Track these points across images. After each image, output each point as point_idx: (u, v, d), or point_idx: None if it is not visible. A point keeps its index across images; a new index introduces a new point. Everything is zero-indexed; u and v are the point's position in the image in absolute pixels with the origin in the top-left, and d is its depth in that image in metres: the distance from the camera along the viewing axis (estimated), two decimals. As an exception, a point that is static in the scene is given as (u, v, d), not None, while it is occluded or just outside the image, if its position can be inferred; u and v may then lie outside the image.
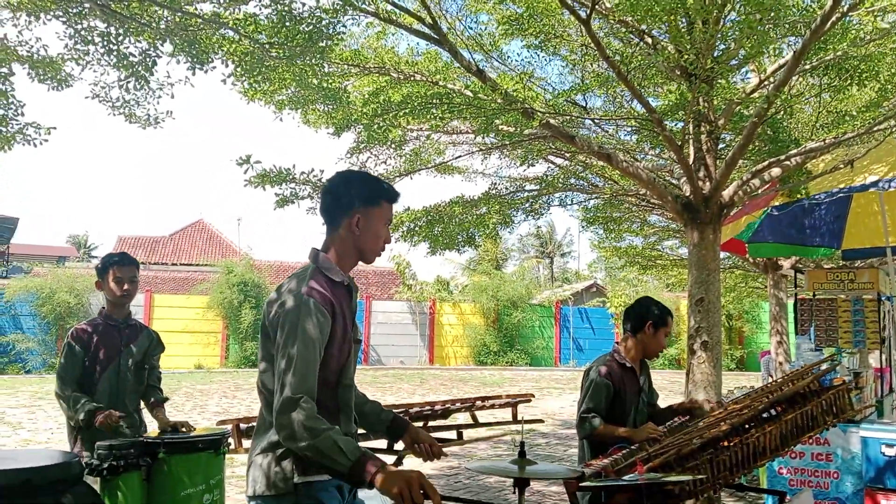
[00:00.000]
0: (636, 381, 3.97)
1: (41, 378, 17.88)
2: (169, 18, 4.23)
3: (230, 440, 3.90)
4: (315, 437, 1.99)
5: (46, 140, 5.42)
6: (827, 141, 5.70)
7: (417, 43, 6.34)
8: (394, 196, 2.41)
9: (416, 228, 7.61)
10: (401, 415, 2.85)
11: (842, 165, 6.10)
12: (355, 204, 2.32)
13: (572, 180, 8.28)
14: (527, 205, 7.94)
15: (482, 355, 25.92)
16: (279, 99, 6.35)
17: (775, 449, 3.13)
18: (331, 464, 2.01)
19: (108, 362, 3.89)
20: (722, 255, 12.61)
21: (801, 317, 7.31)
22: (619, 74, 4.95)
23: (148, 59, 4.44)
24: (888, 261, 6.56)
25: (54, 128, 5.40)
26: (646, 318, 3.94)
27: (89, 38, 4.33)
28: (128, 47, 4.41)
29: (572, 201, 8.65)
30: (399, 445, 2.86)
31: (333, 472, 2.05)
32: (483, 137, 7.45)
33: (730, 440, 3.05)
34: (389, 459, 4.64)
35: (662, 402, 4.25)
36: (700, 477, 2.71)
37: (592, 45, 4.93)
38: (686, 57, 4.95)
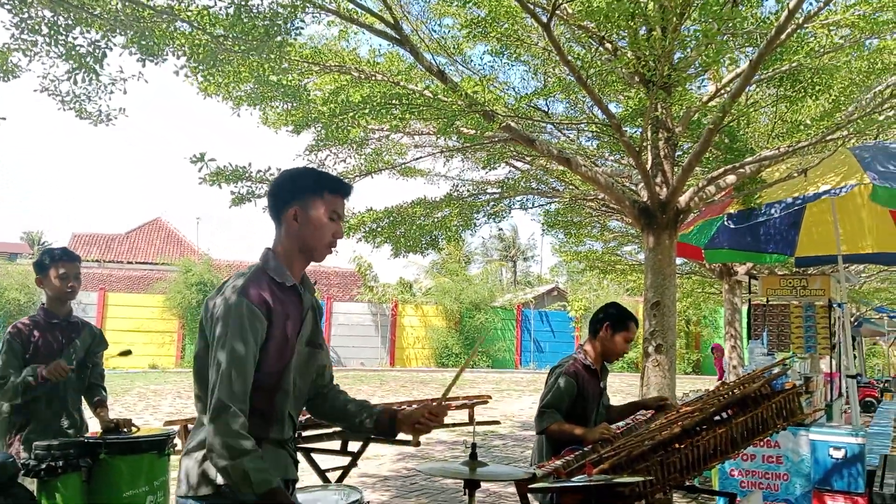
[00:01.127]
0: (598, 383, 4.01)
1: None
2: (120, 9, 4.11)
3: (177, 441, 3.80)
4: (228, 459, 1.92)
5: None
6: (781, 149, 5.82)
7: (380, 45, 6.31)
8: (337, 186, 2.24)
9: (379, 229, 7.56)
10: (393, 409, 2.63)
11: (795, 174, 6.22)
12: (292, 197, 2.20)
13: (533, 184, 8.32)
14: (488, 207, 7.95)
15: (444, 357, 25.93)
16: (237, 95, 6.25)
17: (726, 451, 3.16)
18: (238, 492, 1.94)
19: (48, 360, 3.74)
20: (679, 260, 12.83)
21: (755, 322, 7.43)
22: (579, 79, 4.98)
23: (98, 51, 4.30)
24: (839, 268, 6.72)
25: (3, 118, 5.24)
26: (603, 319, 3.97)
27: (36, 27, 4.18)
28: (76, 38, 4.27)
29: (533, 205, 8.70)
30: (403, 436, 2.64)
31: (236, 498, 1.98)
32: (445, 140, 7.44)
33: (681, 442, 3.06)
34: (344, 461, 4.60)
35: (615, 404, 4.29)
36: (649, 478, 2.71)
37: (553, 49, 4.95)
38: (644, 64, 5.00)
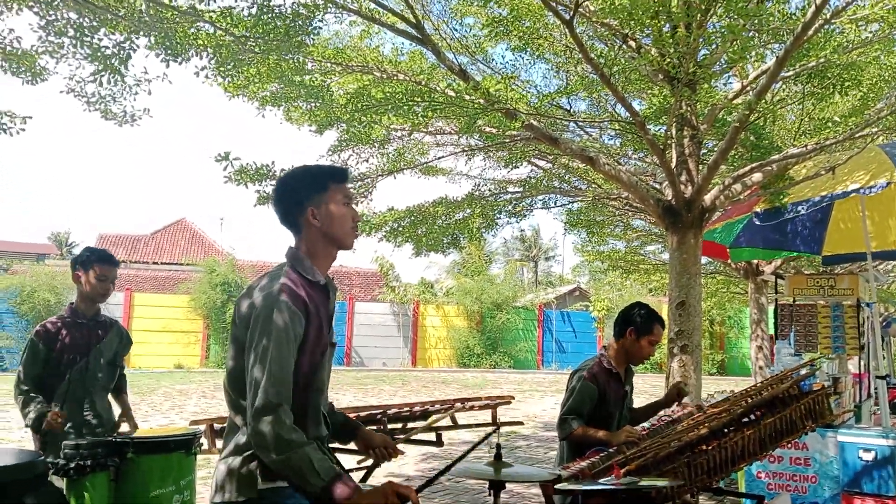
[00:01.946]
0: (621, 386, 3.92)
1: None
2: (144, 10, 4.16)
3: (203, 440, 3.82)
4: (287, 452, 1.92)
5: (23, 129, 5.33)
6: (808, 147, 5.73)
7: (402, 43, 6.32)
8: (337, 174, 2.31)
9: (400, 229, 7.57)
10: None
11: (823, 172, 6.12)
12: (304, 200, 2.23)
13: (555, 183, 8.28)
14: (510, 207, 7.92)
15: (465, 357, 25.88)
16: (262, 95, 6.29)
17: (754, 453, 3.12)
18: (302, 482, 1.94)
19: (76, 359, 3.79)
20: (703, 259, 12.69)
21: (782, 322, 7.33)
22: (602, 77, 4.95)
23: (122, 52, 4.35)
24: (868, 266, 6.60)
25: (30, 117, 5.31)
26: (628, 324, 3.87)
27: (63, 29, 4.25)
28: (101, 39, 4.33)
29: (555, 204, 8.66)
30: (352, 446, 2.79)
31: (303, 491, 1.98)
32: (467, 139, 7.43)
33: (708, 444, 3.03)
34: (369, 461, 4.60)
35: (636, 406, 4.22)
36: (678, 483, 2.68)
37: (576, 47, 4.92)
38: (669, 61, 4.95)
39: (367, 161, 7.49)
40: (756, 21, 5.04)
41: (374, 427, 4.25)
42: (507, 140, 6.75)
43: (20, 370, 3.73)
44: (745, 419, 3.24)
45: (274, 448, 1.92)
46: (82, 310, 3.91)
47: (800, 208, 6.17)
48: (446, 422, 5.82)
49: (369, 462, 4.66)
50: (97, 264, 3.85)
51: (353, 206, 2.32)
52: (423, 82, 5.75)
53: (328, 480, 1.92)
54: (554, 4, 4.54)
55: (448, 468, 2.46)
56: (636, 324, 3.84)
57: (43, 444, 3.63)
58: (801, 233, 7.57)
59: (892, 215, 7.23)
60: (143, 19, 4.12)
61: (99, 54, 4.33)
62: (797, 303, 7.28)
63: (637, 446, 3.33)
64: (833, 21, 5.13)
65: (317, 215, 2.22)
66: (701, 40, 5.32)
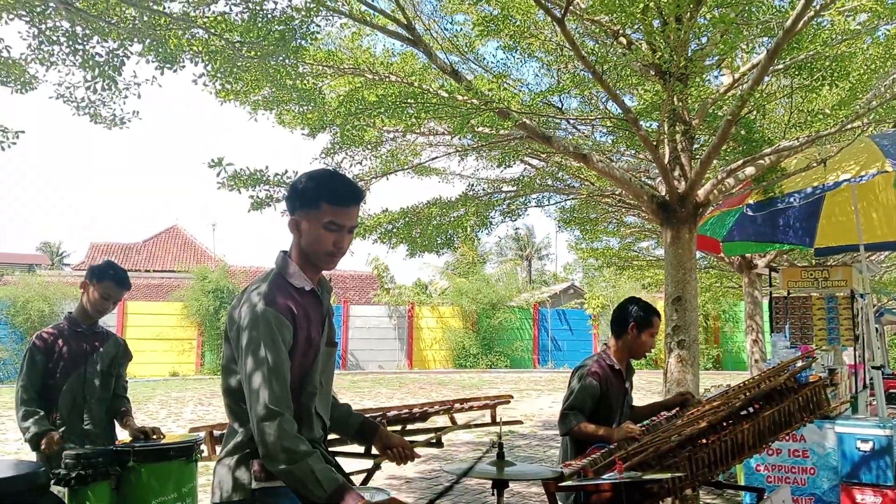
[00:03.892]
0: (622, 383, 3.96)
1: (11, 389, 17.52)
2: (137, 18, 4.14)
3: (203, 447, 3.82)
4: (292, 463, 1.93)
5: (15, 143, 5.29)
6: (800, 139, 5.75)
7: (393, 44, 6.31)
8: (337, 197, 2.18)
9: (394, 230, 7.56)
10: (373, 418, 2.80)
11: (814, 164, 6.15)
12: (294, 207, 2.22)
13: (549, 181, 8.29)
14: (504, 206, 7.92)
15: (461, 358, 25.89)
16: (254, 100, 6.28)
17: (753, 445, 3.13)
18: (305, 493, 1.95)
19: (72, 369, 3.77)
20: (697, 254, 12.72)
21: (776, 315, 7.38)
22: (594, 74, 4.95)
23: (115, 59, 4.33)
24: (861, 258, 6.64)
25: (22, 132, 5.27)
26: (627, 320, 3.90)
27: (54, 37, 4.23)
28: (94, 47, 4.31)
29: (549, 202, 8.66)
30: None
31: (306, 501, 1.99)
32: (460, 139, 7.42)
33: (708, 438, 3.04)
34: (367, 463, 4.59)
35: (640, 403, 4.24)
36: (679, 475, 2.69)
37: (567, 45, 4.92)
38: (660, 55, 4.97)
39: (360, 163, 7.48)
40: (745, 14, 5.05)
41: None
42: (500, 139, 6.75)
43: (22, 380, 3.70)
44: (744, 412, 3.25)
45: (278, 458, 1.94)
46: (80, 320, 3.90)
47: (792, 199, 6.20)
48: (445, 422, 5.82)
49: (369, 465, 4.67)
50: (108, 281, 3.85)
51: (343, 233, 2.21)
52: (416, 83, 5.75)
53: (332, 491, 1.93)
54: (544, 2, 4.54)
55: (457, 481, 2.45)
56: (636, 319, 3.88)
57: (46, 456, 3.61)
58: (793, 225, 7.61)
59: (882, 207, 7.28)
60: (136, 26, 4.11)
61: (91, 62, 4.31)
62: (791, 295, 7.32)
63: (638, 442, 3.34)
64: (822, 14, 5.15)
65: (298, 226, 2.22)
66: (692, 33, 5.33)
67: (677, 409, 4.00)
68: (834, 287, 7.07)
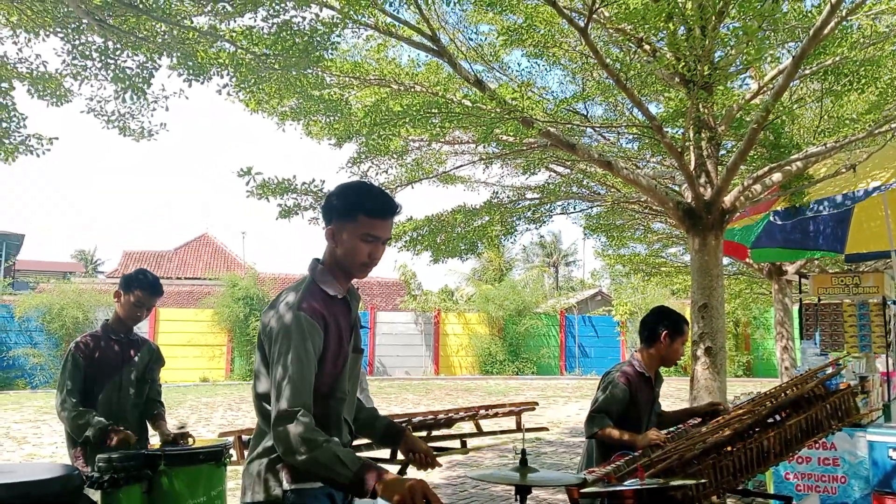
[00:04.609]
0: (651, 390, 3.97)
1: (47, 394, 17.89)
2: (166, 32, 4.26)
3: (232, 452, 3.88)
4: (314, 450, 1.98)
5: (49, 150, 5.47)
6: (828, 145, 5.70)
7: (419, 55, 6.38)
8: (374, 210, 2.23)
9: (419, 237, 7.62)
10: (399, 423, 2.84)
11: (844, 170, 6.09)
12: (331, 217, 2.28)
13: (574, 188, 8.29)
14: (528, 213, 7.94)
15: (488, 365, 25.84)
16: (282, 110, 6.39)
17: (779, 453, 3.11)
18: (332, 475, 2.00)
19: (109, 376, 3.87)
20: (726, 260, 12.58)
21: (807, 321, 7.29)
22: (618, 82, 4.97)
23: (145, 72, 4.47)
24: (893, 264, 6.54)
25: (56, 138, 5.44)
26: (660, 329, 3.92)
27: (87, 52, 4.37)
28: (125, 61, 4.44)
29: (574, 209, 8.66)
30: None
31: (334, 484, 2.04)
32: (484, 147, 7.47)
33: (733, 445, 3.03)
34: (393, 469, 4.63)
35: (666, 409, 4.24)
36: (702, 481, 2.69)
37: (591, 53, 4.94)
38: (684, 64, 4.96)
39: (385, 172, 7.56)
40: (771, 21, 5.03)
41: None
42: (525, 147, 6.78)
43: (65, 384, 3.75)
44: (771, 420, 3.23)
45: (298, 448, 1.99)
46: (115, 328, 4.00)
47: (821, 207, 6.15)
48: (470, 429, 5.85)
49: (395, 469, 4.70)
50: (139, 289, 3.93)
51: (378, 244, 2.27)
52: (440, 93, 5.81)
53: (356, 469, 1.97)
54: (568, 12, 4.57)
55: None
56: (669, 327, 3.91)
57: (85, 458, 3.69)
58: (823, 232, 7.52)
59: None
60: (164, 40, 4.23)
61: (122, 75, 4.45)
62: (822, 302, 7.23)
63: (662, 449, 3.34)
64: (849, 18, 5.11)
65: (335, 236, 2.27)
66: (716, 42, 5.31)
67: (707, 416, 3.99)
68: (865, 293, 6.97)
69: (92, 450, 3.67)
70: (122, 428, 3.65)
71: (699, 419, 4.01)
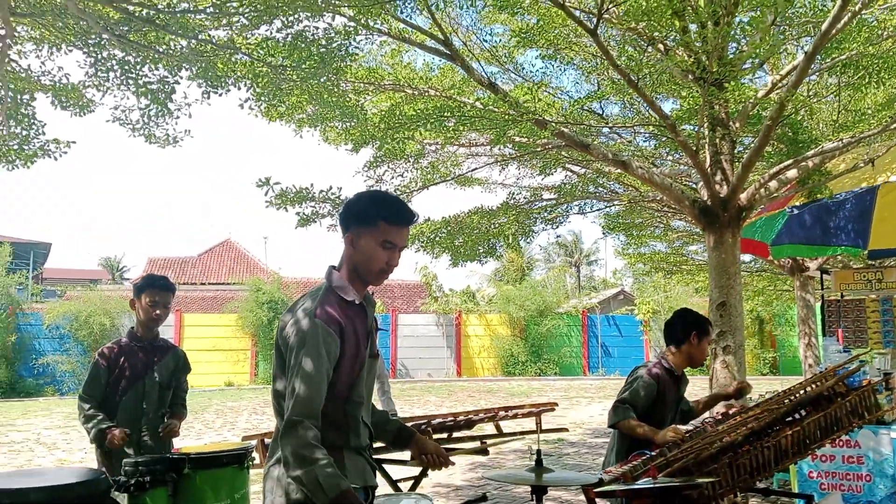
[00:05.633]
0: (678, 389, 4.04)
1: (75, 400, 18.15)
2: (185, 46, 4.35)
3: (255, 455, 3.95)
4: (301, 468, 2.04)
5: (66, 152, 5.59)
6: (844, 140, 5.65)
7: (433, 59, 6.43)
8: (393, 216, 2.29)
9: (437, 239, 7.65)
10: (418, 426, 2.89)
11: (862, 164, 6.04)
12: (350, 223, 2.32)
13: (591, 188, 8.28)
14: (546, 213, 7.95)
15: (510, 366, 25.80)
16: (299, 118, 6.47)
17: (797, 452, 3.10)
18: (314, 498, 2.05)
19: (132, 382, 3.98)
20: (747, 257, 12.47)
21: (829, 318, 7.23)
22: (629, 82, 4.97)
23: (167, 86, 4.57)
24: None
25: (74, 142, 5.56)
26: (690, 329, 4.02)
27: (109, 65, 4.48)
28: (146, 75, 4.55)
29: (591, 209, 8.65)
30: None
31: None
32: (500, 148, 7.49)
33: (750, 444, 3.03)
34: (416, 471, 4.68)
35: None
36: (715, 480, 2.70)
37: (602, 54, 4.96)
38: (696, 61, 4.96)
39: (401, 175, 7.61)
40: (784, 15, 5.01)
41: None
42: (540, 148, 6.80)
43: (82, 390, 3.96)
44: (790, 418, 3.22)
45: (292, 464, 2.06)
46: (140, 334, 4.09)
47: (841, 201, 6.09)
48: (491, 430, 5.88)
49: (417, 471, 4.75)
50: (148, 289, 4.03)
51: (396, 251, 2.32)
52: (454, 97, 5.85)
53: (333, 496, 2.01)
54: (578, 14, 4.59)
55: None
56: (697, 327, 4.03)
57: (109, 463, 3.80)
58: (844, 227, 7.44)
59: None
60: (184, 54, 4.31)
61: (144, 88, 4.55)
62: (844, 298, 7.17)
63: (679, 447, 3.35)
64: (864, 12, 5.07)
65: (354, 243, 2.31)
66: (728, 36, 5.30)
67: (734, 398, 4.17)
68: (889, 289, 6.90)
69: (115, 458, 3.78)
70: (116, 429, 3.78)
71: (718, 415, 4.04)
